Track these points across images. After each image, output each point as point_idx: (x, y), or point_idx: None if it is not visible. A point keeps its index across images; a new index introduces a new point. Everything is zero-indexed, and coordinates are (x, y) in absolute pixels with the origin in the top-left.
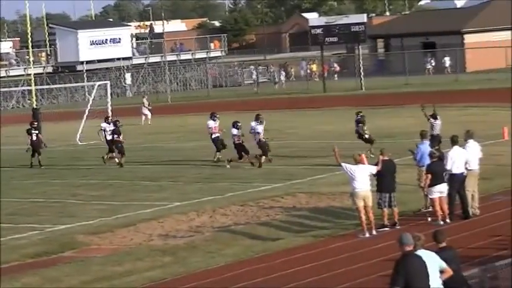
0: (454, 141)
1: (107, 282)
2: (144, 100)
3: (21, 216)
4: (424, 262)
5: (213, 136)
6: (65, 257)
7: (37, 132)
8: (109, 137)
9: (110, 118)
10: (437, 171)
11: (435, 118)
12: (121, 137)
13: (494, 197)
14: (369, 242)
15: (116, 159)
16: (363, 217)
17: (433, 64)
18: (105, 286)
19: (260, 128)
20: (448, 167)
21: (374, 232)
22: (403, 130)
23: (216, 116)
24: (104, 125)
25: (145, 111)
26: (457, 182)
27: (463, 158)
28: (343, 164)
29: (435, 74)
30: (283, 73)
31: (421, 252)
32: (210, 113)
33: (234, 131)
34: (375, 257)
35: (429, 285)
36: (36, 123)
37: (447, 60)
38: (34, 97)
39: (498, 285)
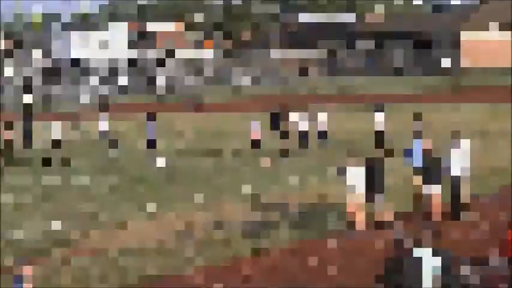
0: (452, 141)
1: (100, 281)
2: None
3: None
4: (420, 262)
5: None
6: (57, 255)
7: None
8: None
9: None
10: (433, 169)
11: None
12: None
13: (487, 197)
14: (364, 241)
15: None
16: (357, 215)
17: None
18: (99, 285)
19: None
20: (451, 167)
21: (364, 229)
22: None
23: None
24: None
25: None
26: (457, 182)
27: (460, 158)
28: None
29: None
30: None
31: (421, 251)
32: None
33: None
34: (369, 256)
35: (421, 286)
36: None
37: None
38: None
39: (492, 285)
